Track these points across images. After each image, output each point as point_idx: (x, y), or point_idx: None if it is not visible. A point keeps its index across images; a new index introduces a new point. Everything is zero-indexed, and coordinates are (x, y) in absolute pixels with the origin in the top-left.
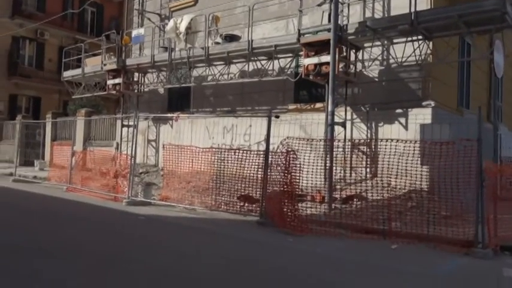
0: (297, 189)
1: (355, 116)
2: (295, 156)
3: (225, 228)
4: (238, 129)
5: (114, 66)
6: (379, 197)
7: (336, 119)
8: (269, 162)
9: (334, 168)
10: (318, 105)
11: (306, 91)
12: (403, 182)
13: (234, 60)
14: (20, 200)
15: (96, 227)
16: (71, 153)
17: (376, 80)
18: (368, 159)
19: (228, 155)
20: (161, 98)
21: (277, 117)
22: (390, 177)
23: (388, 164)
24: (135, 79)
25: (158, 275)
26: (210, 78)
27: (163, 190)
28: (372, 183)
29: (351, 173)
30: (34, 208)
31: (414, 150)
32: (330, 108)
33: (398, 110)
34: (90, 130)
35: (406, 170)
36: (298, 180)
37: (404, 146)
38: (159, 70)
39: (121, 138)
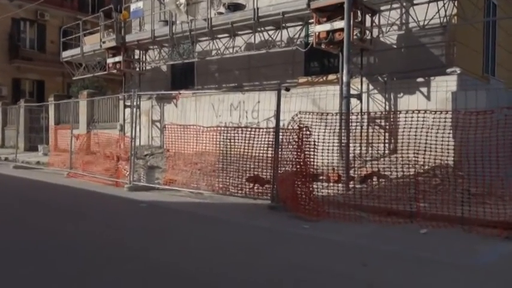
0: (312, 169)
1: (371, 87)
2: (308, 132)
3: (232, 214)
4: (245, 106)
5: (113, 44)
6: (400, 175)
7: (351, 91)
8: (280, 140)
9: (350, 144)
10: (331, 77)
11: (317, 62)
12: (427, 157)
13: (239, 32)
14: (13, 188)
15: (91, 217)
16: (70, 137)
17: (395, 46)
18: (387, 134)
19: (235, 133)
20: (164, 76)
21: (287, 90)
22: (417, 153)
23: (414, 138)
24: (137, 57)
25: (151, 272)
26: (214, 52)
27: (167, 173)
28: (391, 159)
29: (368, 149)
30: (27, 196)
31: (446, 121)
32: (345, 79)
33: (420, 79)
34: (93, 112)
35: (431, 143)
36: (312, 159)
37: (434, 118)
38: (160, 46)
39: (124, 120)
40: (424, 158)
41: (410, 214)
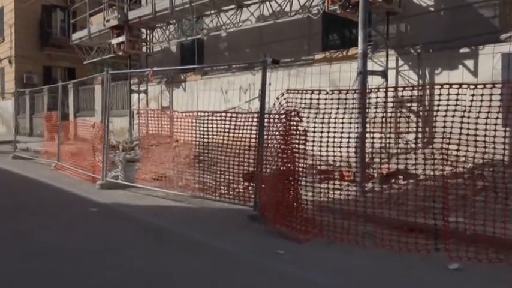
0: (303, 167)
1: (401, 62)
2: (298, 119)
3: (197, 226)
4: (256, 88)
5: (116, 22)
6: (435, 174)
7: (375, 67)
8: (264, 128)
9: (371, 133)
10: (353, 51)
11: (336, 34)
12: (471, 151)
13: (246, 2)
14: None
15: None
16: (58, 126)
17: (432, 9)
18: (420, 120)
19: (220, 119)
20: (174, 57)
21: (275, 62)
22: (445, 147)
23: (448, 125)
24: (144, 37)
25: None
26: (220, 28)
27: (141, 170)
28: (424, 153)
29: (396, 140)
30: None
31: (491, 99)
32: (360, 49)
33: (464, 49)
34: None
35: (473, 132)
36: (303, 155)
37: (473, 95)
38: (166, 23)
39: (130, 106)
40: (467, 152)
41: (435, 232)
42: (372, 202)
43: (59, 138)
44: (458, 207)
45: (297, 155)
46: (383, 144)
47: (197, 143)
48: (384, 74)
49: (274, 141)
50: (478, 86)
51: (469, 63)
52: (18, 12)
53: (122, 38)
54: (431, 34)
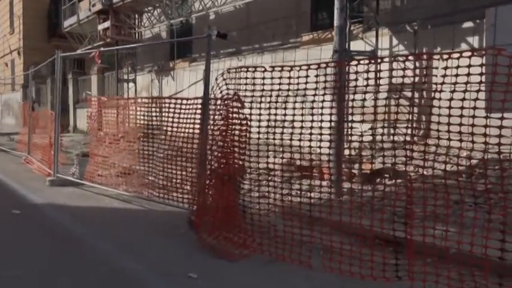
0: (244, 164)
1: (395, 42)
2: (239, 104)
3: (122, 235)
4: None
5: (100, 6)
6: (429, 172)
7: (366, 47)
8: (209, 116)
9: (351, 122)
10: None
11: (326, 12)
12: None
13: None
14: None
15: None
16: (29, 117)
17: None
18: (415, 109)
19: (168, 107)
20: (164, 44)
21: (221, 36)
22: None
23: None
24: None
25: None
26: (202, 9)
27: (89, 166)
28: (420, 148)
29: (389, 133)
30: None
31: (469, 74)
32: (336, 23)
33: (467, 24)
34: (104, 89)
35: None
36: (243, 150)
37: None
38: (153, 7)
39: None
40: (472, 146)
41: (396, 257)
42: (339, 205)
43: (29, 130)
44: (429, 219)
45: (237, 149)
46: (365, 137)
47: (146, 135)
48: (373, 55)
49: (212, 133)
50: (453, 56)
51: (473, 40)
52: (26, 3)
53: (107, 24)
54: (429, 8)
